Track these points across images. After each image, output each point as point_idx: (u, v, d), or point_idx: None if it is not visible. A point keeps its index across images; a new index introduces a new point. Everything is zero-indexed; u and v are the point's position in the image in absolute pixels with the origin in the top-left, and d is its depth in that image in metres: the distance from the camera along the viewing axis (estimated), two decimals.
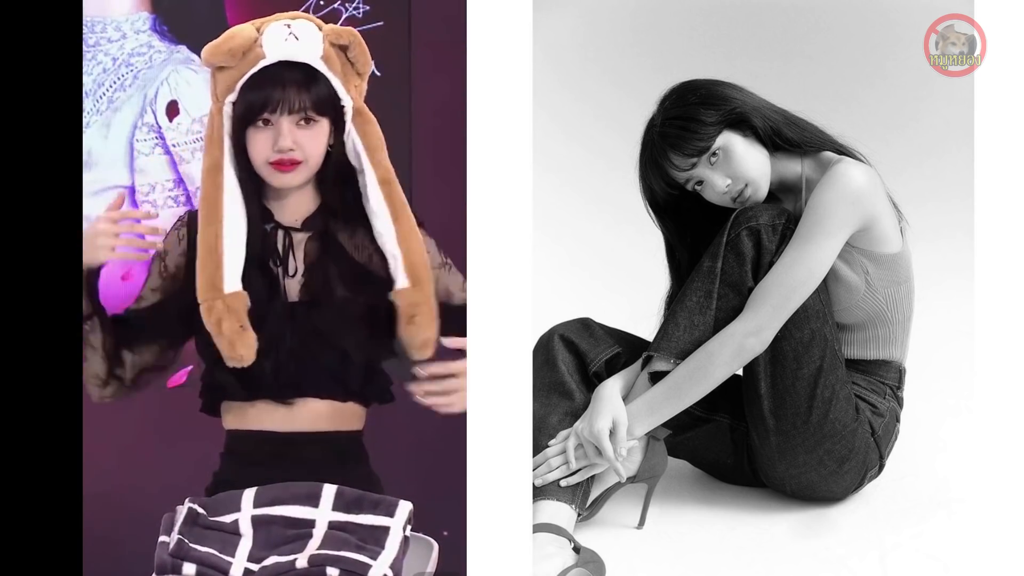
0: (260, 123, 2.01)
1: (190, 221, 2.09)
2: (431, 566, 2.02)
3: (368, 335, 2.05)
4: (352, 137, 2.06)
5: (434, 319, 2.04)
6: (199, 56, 2.08)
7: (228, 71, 2.03)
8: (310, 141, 2.03)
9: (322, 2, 2.66)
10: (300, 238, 2.07)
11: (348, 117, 2.06)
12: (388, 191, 2.05)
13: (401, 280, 2.03)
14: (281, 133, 2.00)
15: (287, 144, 2.00)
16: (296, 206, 2.09)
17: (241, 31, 2.04)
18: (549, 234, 3.15)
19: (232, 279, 2.00)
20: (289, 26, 2.04)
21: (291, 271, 2.06)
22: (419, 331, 2.02)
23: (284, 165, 2.02)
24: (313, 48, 2.03)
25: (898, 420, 2.50)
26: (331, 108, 2.04)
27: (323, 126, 2.04)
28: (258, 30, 2.04)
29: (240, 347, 1.99)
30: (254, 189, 2.06)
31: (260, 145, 2.02)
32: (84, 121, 2.56)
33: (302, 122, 2.02)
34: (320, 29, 2.06)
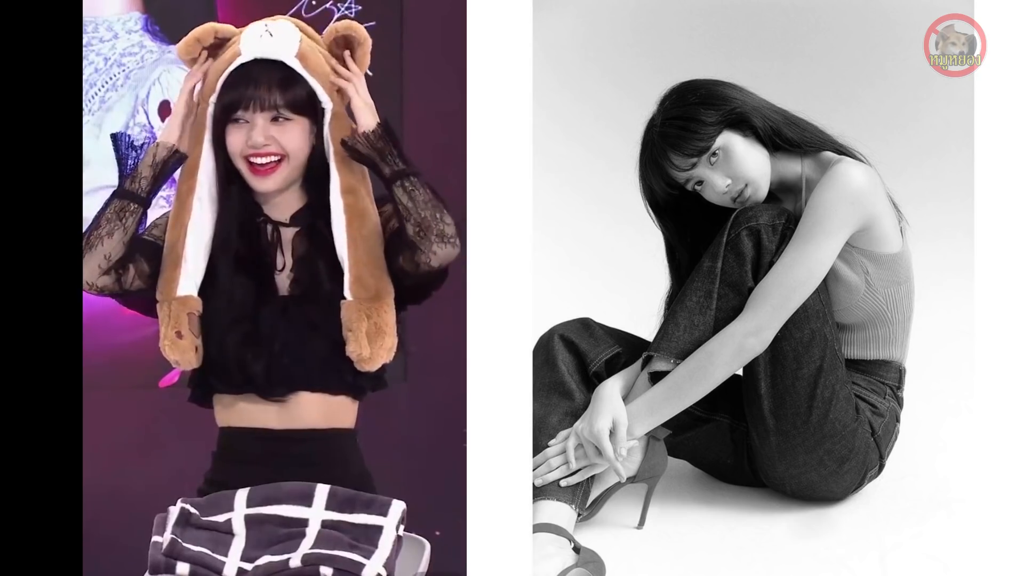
0: (236, 120, 2.01)
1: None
2: (423, 566, 2.02)
3: None
4: (326, 140, 2.04)
5: (376, 337, 1.98)
6: None
7: (210, 70, 2.03)
8: (285, 136, 2.01)
9: (314, 2, 2.66)
10: (288, 233, 2.06)
11: (327, 119, 2.03)
12: (349, 200, 2.01)
13: (346, 291, 2.00)
14: (255, 128, 2.00)
15: (259, 140, 1.99)
16: (285, 203, 2.07)
17: (215, 26, 2.05)
18: (549, 234, 3.14)
19: (187, 283, 2.01)
20: (267, 25, 2.04)
21: (279, 266, 2.05)
22: (354, 348, 1.99)
23: (263, 169, 2.01)
24: (288, 46, 2.01)
25: (898, 420, 2.50)
26: (309, 107, 2.02)
27: (300, 124, 2.02)
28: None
29: (172, 352, 2.00)
30: (244, 184, 2.05)
31: (235, 140, 2.01)
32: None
33: (276, 120, 2.01)
34: (298, 28, 2.04)
